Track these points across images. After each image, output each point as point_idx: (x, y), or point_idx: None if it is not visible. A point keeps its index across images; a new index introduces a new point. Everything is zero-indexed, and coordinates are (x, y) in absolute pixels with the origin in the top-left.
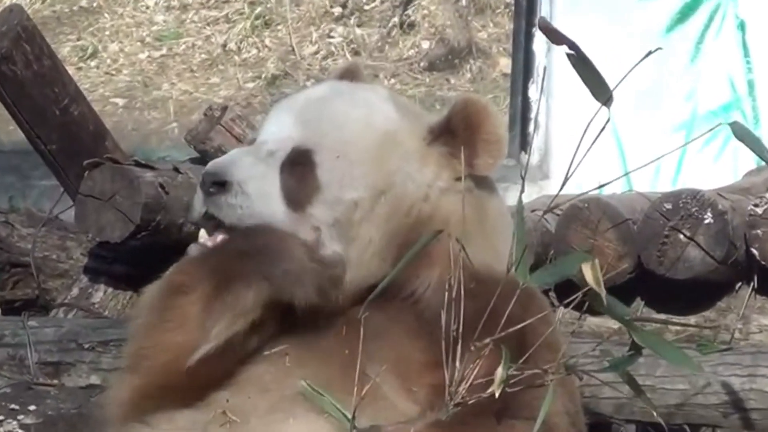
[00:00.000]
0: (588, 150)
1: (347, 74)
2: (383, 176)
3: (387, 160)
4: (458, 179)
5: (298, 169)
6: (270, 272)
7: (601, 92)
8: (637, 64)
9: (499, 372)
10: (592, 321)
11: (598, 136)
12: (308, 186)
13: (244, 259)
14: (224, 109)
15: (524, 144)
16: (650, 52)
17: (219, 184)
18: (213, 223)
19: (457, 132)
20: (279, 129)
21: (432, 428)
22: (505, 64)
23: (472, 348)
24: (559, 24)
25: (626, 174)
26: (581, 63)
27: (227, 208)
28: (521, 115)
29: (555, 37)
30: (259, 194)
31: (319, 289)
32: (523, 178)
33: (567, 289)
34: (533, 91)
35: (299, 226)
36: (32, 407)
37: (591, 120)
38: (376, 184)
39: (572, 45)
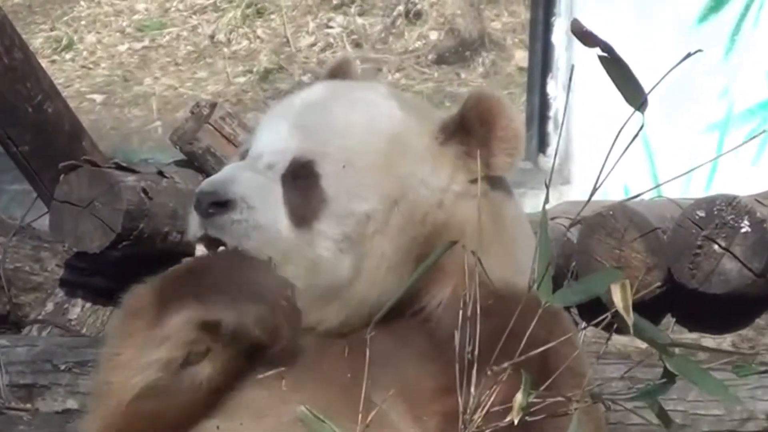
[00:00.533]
0: (618, 160)
1: (339, 70)
2: (395, 183)
3: (397, 165)
4: (473, 182)
5: (301, 182)
6: (203, 293)
7: (635, 96)
8: (674, 68)
9: (519, 398)
10: (618, 340)
11: (630, 144)
12: (313, 200)
13: (188, 278)
14: (213, 106)
15: (542, 145)
16: (689, 54)
17: (219, 204)
18: (213, 243)
19: (472, 129)
20: (274, 139)
21: None
22: (521, 57)
23: (489, 372)
24: (579, 14)
25: (657, 186)
26: (615, 66)
27: (230, 227)
28: (539, 113)
29: (588, 39)
30: (264, 208)
31: (260, 321)
32: (547, 187)
33: (591, 305)
34: (552, 87)
35: (306, 243)
36: None
37: (622, 127)
38: (389, 192)
39: (606, 47)
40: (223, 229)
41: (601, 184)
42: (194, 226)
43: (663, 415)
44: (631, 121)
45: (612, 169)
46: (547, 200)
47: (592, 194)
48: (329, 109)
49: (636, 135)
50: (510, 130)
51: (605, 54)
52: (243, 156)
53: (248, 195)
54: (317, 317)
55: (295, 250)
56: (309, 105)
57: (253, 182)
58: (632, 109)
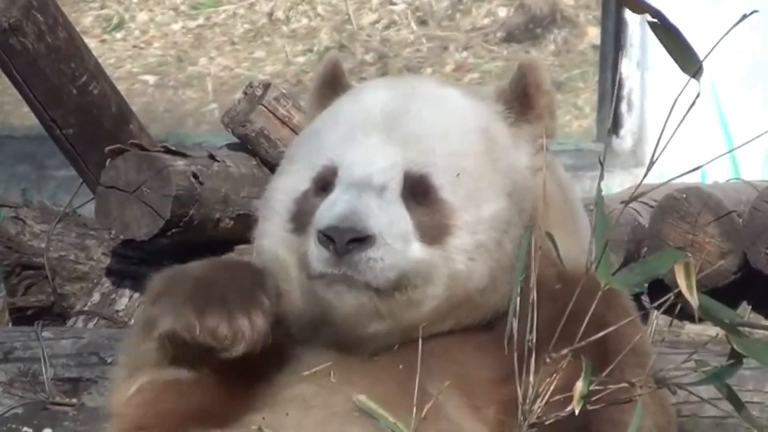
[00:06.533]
0: (676, 128)
1: (331, 75)
2: (503, 178)
3: (498, 160)
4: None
5: (421, 199)
6: (162, 303)
7: (690, 63)
8: (730, 30)
9: (579, 386)
10: (691, 329)
11: (688, 112)
12: (440, 215)
13: (168, 284)
14: (266, 86)
15: (616, 126)
16: (745, 16)
17: (359, 240)
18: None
19: (535, 102)
20: (375, 157)
21: None
22: (594, 34)
23: (548, 359)
24: None
25: (729, 152)
26: (665, 32)
27: (365, 264)
28: (612, 92)
29: (635, 5)
30: (397, 241)
31: (204, 330)
32: (601, 164)
33: (662, 290)
34: (626, 66)
35: (442, 261)
36: (47, 430)
37: (679, 95)
38: (503, 189)
39: (656, 12)
40: (356, 265)
41: (657, 158)
42: (321, 265)
43: (733, 398)
44: (705, 99)
45: (671, 138)
46: (601, 177)
47: (649, 167)
48: (417, 115)
49: (693, 102)
50: (549, 94)
51: (655, 20)
52: (325, 175)
53: (385, 230)
54: (447, 323)
55: (433, 271)
56: (395, 113)
57: (386, 214)
58: (707, 87)
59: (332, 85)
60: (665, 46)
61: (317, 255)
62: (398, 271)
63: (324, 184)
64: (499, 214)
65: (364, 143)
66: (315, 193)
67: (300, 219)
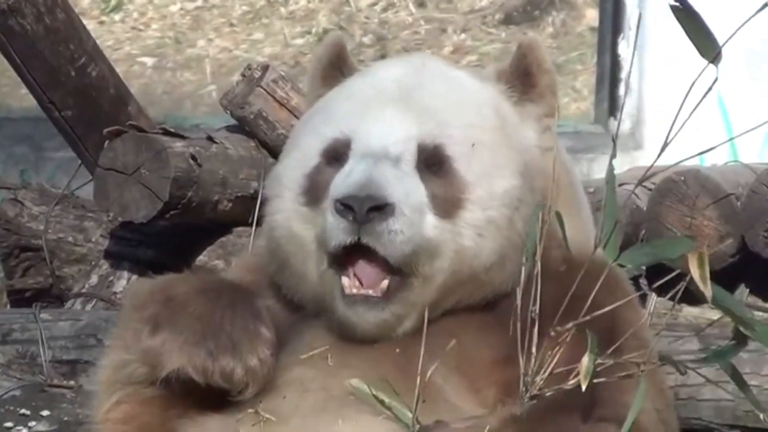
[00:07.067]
0: (690, 115)
1: (336, 55)
2: (517, 155)
3: (510, 136)
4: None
5: (435, 170)
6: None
7: (709, 48)
8: (749, 20)
9: (585, 362)
10: (689, 311)
11: (703, 98)
12: (454, 187)
13: (169, 309)
14: (265, 68)
15: (613, 108)
16: (766, 5)
17: (378, 209)
18: (361, 249)
19: (538, 81)
20: (390, 128)
21: (506, 425)
22: (592, 16)
23: (552, 333)
24: None
25: (731, 140)
26: (687, 16)
27: (387, 236)
28: (610, 74)
29: None
30: (414, 212)
31: (219, 374)
32: (614, 141)
33: (662, 275)
34: (624, 48)
35: (451, 235)
36: (45, 412)
37: (695, 80)
38: (517, 165)
39: None
40: (379, 236)
41: (670, 142)
42: (342, 234)
43: (737, 378)
44: (708, 83)
45: (684, 125)
46: (614, 154)
47: (660, 152)
48: (432, 88)
49: (710, 88)
50: (550, 73)
51: (677, 3)
52: (336, 147)
53: (403, 200)
54: (449, 301)
55: (443, 244)
56: (409, 87)
57: (402, 184)
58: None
59: (338, 66)
60: (686, 31)
61: (335, 225)
62: (414, 245)
63: (336, 155)
64: (512, 190)
65: (379, 115)
66: (327, 165)
67: (313, 192)
